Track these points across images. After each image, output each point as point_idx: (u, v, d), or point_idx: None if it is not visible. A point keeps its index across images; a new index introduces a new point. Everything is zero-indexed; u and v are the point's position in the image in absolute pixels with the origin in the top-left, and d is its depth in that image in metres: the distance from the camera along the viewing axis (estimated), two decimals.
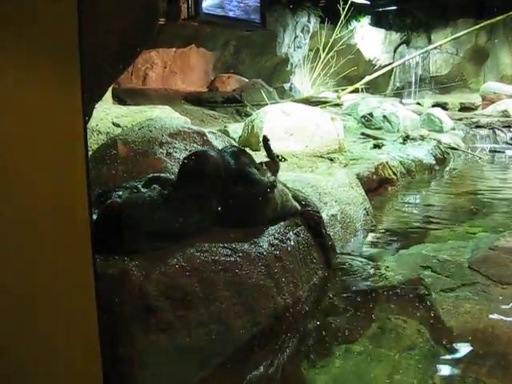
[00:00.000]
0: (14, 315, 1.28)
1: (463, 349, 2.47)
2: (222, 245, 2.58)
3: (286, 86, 11.72)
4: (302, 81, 12.40)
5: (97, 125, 4.78)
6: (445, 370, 2.35)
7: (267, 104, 7.88)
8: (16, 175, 1.25)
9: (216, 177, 2.74)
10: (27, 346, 1.31)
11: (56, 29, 1.29)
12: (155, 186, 2.70)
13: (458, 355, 2.43)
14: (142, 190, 2.72)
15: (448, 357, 2.42)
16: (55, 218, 1.33)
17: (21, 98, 1.24)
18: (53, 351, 1.36)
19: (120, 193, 2.63)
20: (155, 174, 2.99)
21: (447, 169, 7.68)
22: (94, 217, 2.49)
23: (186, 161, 2.80)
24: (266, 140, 3.45)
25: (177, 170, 3.24)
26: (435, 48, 13.57)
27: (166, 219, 2.50)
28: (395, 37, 14.82)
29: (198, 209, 2.63)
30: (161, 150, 3.58)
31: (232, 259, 2.53)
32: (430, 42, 14.33)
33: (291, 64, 12.20)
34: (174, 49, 10.00)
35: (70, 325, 1.39)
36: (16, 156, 1.25)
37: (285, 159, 5.62)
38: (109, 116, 5.17)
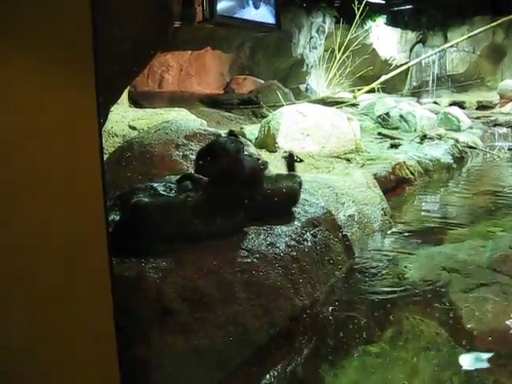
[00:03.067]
0: (30, 317, 1.28)
1: (483, 350, 2.44)
2: (239, 246, 2.58)
3: (302, 86, 11.70)
4: (318, 81, 12.37)
5: (112, 127, 4.80)
6: (464, 372, 2.32)
7: (283, 105, 7.87)
8: (31, 177, 1.26)
9: (255, 184, 2.77)
10: (44, 347, 1.31)
11: (70, 32, 1.29)
12: (184, 185, 2.72)
13: (477, 356, 2.40)
14: (162, 190, 2.73)
15: (468, 358, 2.40)
16: (71, 219, 1.33)
17: (36, 101, 1.25)
18: (69, 352, 1.36)
19: (140, 194, 2.63)
20: (187, 173, 3.01)
21: (465, 168, 7.61)
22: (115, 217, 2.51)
23: (223, 165, 2.83)
24: (291, 157, 3.50)
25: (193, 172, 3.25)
26: (452, 46, 13.47)
27: (190, 221, 2.51)
28: (411, 36, 14.73)
29: (228, 212, 2.65)
30: (177, 152, 3.59)
31: (249, 260, 2.52)
32: (446, 40, 14.22)
33: (307, 65, 12.17)
34: (189, 51, 10.03)
35: (87, 326, 1.39)
36: (31, 158, 1.25)
37: (301, 160, 5.60)
38: (125, 119, 5.19)
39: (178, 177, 2.92)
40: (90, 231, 1.38)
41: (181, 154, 3.59)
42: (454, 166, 7.31)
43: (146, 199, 2.57)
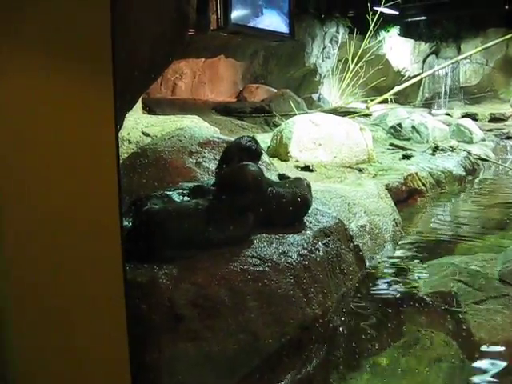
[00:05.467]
0: (41, 322, 1.29)
1: (494, 363, 2.43)
2: (251, 254, 2.59)
3: (315, 96, 11.70)
4: (331, 91, 12.38)
5: (128, 134, 4.82)
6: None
7: (296, 114, 7.88)
8: (47, 182, 1.27)
9: (255, 190, 2.78)
10: (55, 352, 1.32)
11: (90, 37, 1.30)
12: (194, 194, 2.75)
13: (488, 369, 2.39)
14: (176, 198, 2.76)
15: (478, 371, 2.39)
16: (86, 225, 1.34)
17: (53, 106, 1.26)
18: (81, 357, 1.37)
19: (153, 201, 2.66)
20: (197, 184, 3.04)
21: (477, 180, 7.58)
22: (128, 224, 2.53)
23: (227, 173, 2.86)
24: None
25: (205, 179, 3.28)
26: (465, 58, 13.44)
27: (202, 229, 2.53)
28: (424, 47, 14.71)
29: (236, 220, 2.67)
30: (190, 160, 3.61)
31: (261, 269, 2.53)
32: (459, 52, 14.19)
33: (320, 74, 12.18)
34: (203, 59, 10.06)
35: (100, 330, 1.39)
36: (47, 163, 1.26)
37: (313, 169, 5.61)
38: (138, 125, 5.21)
39: (192, 186, 2.95)
40: (104, 236, 1.39)
41: (194, 161, 3.61)
42: (466, 178, 7.29)
43: (159, 206, 2.59)
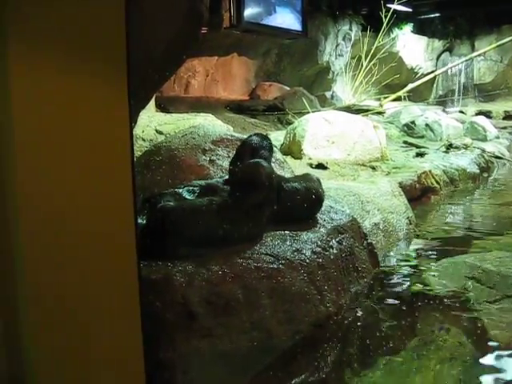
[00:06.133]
0: (56, 321, 1.29)
1: (508, 361, 2.42)
2: (264, 252, 2.59)
3: (328, 94, 11.67)
4: (344, 89, 12.33)
5: (143, 131, 4.84)
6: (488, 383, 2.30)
7: (309, 112, 7.87)
8: (62, 180, 1.27)
9: (269, 187, 2.79)
10: (69, 352, 1.32)
11: (104, 35, 1.31)
12: (207, 191, 2.76)
13: (502, 368, 2.38)
14: (190, 195, 2.77)
15: (492, 369, 2.37)
16: (101, 223, 1.34)
17: (68, 105, 1.26)
18: (96, 356, 1.37)
19: (167, 198, 2.67)
20: (209, 181, 3.05)
21: (491, 178, 7.53)
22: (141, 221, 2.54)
23: (240, 171, 2.87)
24: None
25: (219, 177, 3.28)
26: (479, 55, 13.34)
27: (216, 226, 2.54)
28: (438, 44, 14.61)
29: (250, 217, 2.67)
30: (204, 157, 3.61)
31: (275, 266, 2.53)
32: (473, 49, 14.07)
33: (333, 72, 12.14)
34: (216, 57, 10.06)
35: (114, 329, 1.40)
36: (62, 161, 1.27)
37: (326, 167, 5.60)
38: (152, 123, 5.23)
39: (204, 183, 2.96)
40: (119, 233, 1.40)
41: (208, 159, 3.61)
42: (480, 176, 7.25)
43: (173, 203, 2.60)
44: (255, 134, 3.36)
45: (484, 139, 9.12)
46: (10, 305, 1.25)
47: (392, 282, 3.37)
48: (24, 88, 1.20)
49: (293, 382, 2.33)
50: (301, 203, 3.03)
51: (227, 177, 3.12)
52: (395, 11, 11.50)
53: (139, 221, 2.51)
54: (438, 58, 14.69)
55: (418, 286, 3.29)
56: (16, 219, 1.23)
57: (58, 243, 1.28)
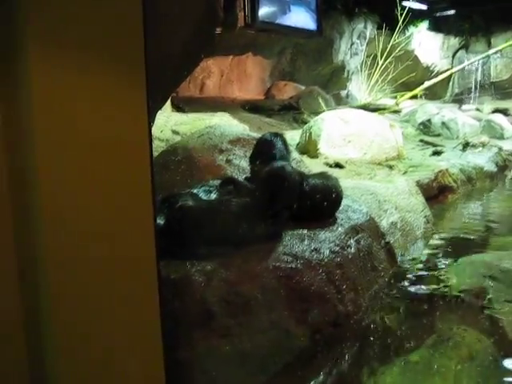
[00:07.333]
0: (77, 317, 1.30)
1: None
2: (283, 251, 2.59)
3: (343, 93, 11.63)
4: (359, 87, 12.29)
5: (161, 131, 4.86)
6: (507, 383, 2.29)
7: (324, 111, 7.85)
8: (81, 179, 1.28)
9: (292, 192, 2.79)
10: (89, 348, 1.33)
11: (122, 36, 1.31)
12: (225, 190, 2.76)
13: None
14: (206, 196, 2.77)
15: (509, 369, 2.35)
16: (119, 222, 1.34)
17: (87, 103, 1.27)
18: (115, 353, 1.38)
19: (185, 198, 2.67)
20: (229, 177, 3.06)
21: (509, 177, 7.47)
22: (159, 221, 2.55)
23: (265, 174, 2.87)
24: None
25: (236, 176, 3.29)
26: (495, 52, 13.22)
27: (235, 226, 2.54)
28: (453, 42, 14.50)
29: (270, 218, 2.68)
30: (221, 157, 3.62)
31: (293, 266, 2.53)
32: (489, 46, 13.95)
33: (348, 71, 12.11)
34: (230, 57, 10.08)
35: (134, 326, 1.40)
36: (82, 160, 1.27)
37: (342, 166, 5.59)
38: (168, 124, 5.25)
39: (221, 181, 2.96)
40: (138, 233, 1.40)
41: (224, 158, 3.62)
42: (498, 174, 7.19)
43: (191, 202, 2.60)
44: (269, 133, 3.36)
45: (501, 137, 9.04)
46: (32, 304, 1.26)
47: (410, 280, 3.35)
48: (44, 87, 1.20)
49: (311, 381, 2.33)
50: (321, 201, 3.03)
51: (245, 176, 3.13)
52: (410, 9, 11.44)
53: (158, 221, 2.51)
54: (453, 56, 14.58)
55: (436, 285, 3.27)
56: (38, 219, 1.23)
57: (79, 242, 1.28)
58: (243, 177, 3.12)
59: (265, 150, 3.16)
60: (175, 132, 5.17)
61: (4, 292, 1.24)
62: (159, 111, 4.45)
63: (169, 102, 6.35)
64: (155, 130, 4.88)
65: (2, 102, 1.21)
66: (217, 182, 3.00)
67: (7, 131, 1.22)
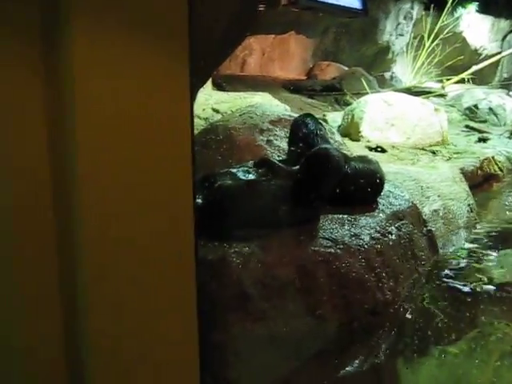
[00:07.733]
0: (113, 299, 1.29)
1: None
2: (322, 235, 2.56)
3: (387, 74, 11.44)
4: (404, 70, 12.07)
5: (204, 110, 4.85)
6: None
7: (367, 93, 7.74)
8: (120, 159, 1.27)
9: (336, 176, 2.76)
10: (126, 331, 1.33)
11: (167, 14, 1.29)
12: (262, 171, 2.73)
13: None
14: (247, 175, 2.74)
15: None
16: (158, 200, 1.34)
17: (129, 78, 1.26)
18: (150, 333, 1.37)
19: (225, 177, 2.64)
20: (265, 158, 3.02)
21: None
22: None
23: (310, 157, 2.83)
24: None
25: (276, 158, 3.25)
26: None
27: (275, 207, 2.52)
28: (504, 24, 14.12)
29: (311, 201, 2.64)
30: (261, 137, 3.57)
31: (332, 251, 2.49)
32: None
33: (392, 52, 11.90)
34: (272, 35, 9.99)
35: (170, 308, 1.40)
36: (122, 135, 1.26)
37: (384, 150, 5.51)
38: (209, 102, 5.24)
39: (256, 161, 2.92)
40: (177, 213, 1.38)
41: (265, 139, 3.57)
42: None
43: (231, 182, 2.58)
44: (304, 115, 3.33)
45: None
46: (70, 297, 1.27)
47: (451, 270, 3.29)
48: (86, 61, 1.20)
49: (346, 368, 2.31)
50: (364, 186, 2.99)
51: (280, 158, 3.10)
52: None
53: (196, 200, 2.50)
54: (503, 39, 14.21)
55: (478, 276, 3.21)
56: (79, 202, 1.23)
57: (118, 220, 1.28)
58: (278, 159, 3.07)
59: (304, 133, 3.11)
60: (215, 110, 5.15)
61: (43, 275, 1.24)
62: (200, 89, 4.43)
63: (210, 80, 6.34)
64: (196, 108, 4.87)
65: (45, 78, 1.21)
66: (255, 162, 2.97)
67: (49, 107, 1.22)
